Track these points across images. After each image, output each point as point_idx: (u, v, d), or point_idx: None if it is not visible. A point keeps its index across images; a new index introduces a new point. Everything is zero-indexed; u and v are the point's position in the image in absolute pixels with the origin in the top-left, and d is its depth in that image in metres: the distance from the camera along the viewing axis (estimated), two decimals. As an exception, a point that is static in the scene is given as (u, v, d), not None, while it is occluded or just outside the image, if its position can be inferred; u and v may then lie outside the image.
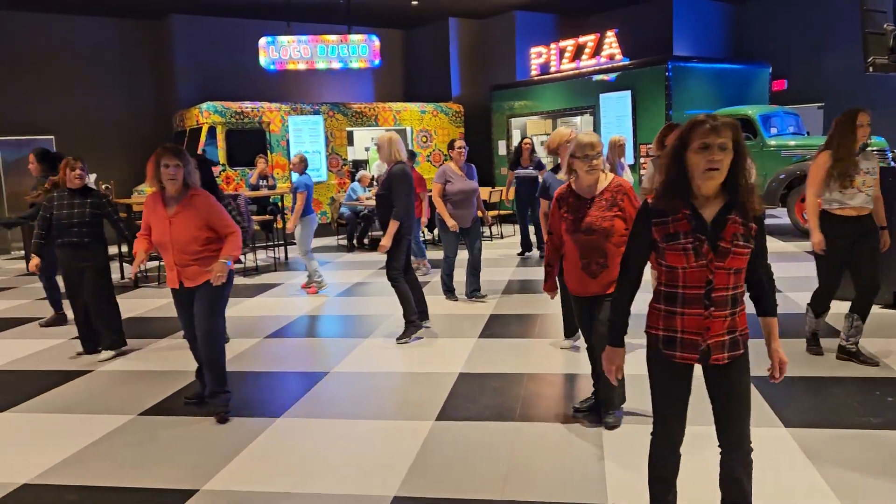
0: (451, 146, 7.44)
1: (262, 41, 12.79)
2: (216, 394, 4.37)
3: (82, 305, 5.81)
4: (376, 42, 13.42)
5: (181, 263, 4.22)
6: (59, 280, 6.32)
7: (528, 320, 6.55)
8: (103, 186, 11.09)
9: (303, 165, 8.14)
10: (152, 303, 8.04)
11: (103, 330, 5.81)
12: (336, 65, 13.32)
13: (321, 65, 13.16)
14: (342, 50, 13.21)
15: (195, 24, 14.03)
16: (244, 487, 3.43)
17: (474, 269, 7.33)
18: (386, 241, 5.77)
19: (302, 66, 13.13)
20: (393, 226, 5.74)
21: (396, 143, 5.88)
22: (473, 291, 7.36)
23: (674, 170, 2.32)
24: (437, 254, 9.64)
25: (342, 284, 8.64)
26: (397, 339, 5.94)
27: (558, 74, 14.02)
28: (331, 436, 4.07)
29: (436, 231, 11.26)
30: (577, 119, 14.23)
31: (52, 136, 13.22)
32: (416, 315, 5.99)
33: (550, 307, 6.76)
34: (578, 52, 13.76)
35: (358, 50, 13.31)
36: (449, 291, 7.40)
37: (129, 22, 13.99)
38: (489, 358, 5.43)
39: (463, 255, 7.40)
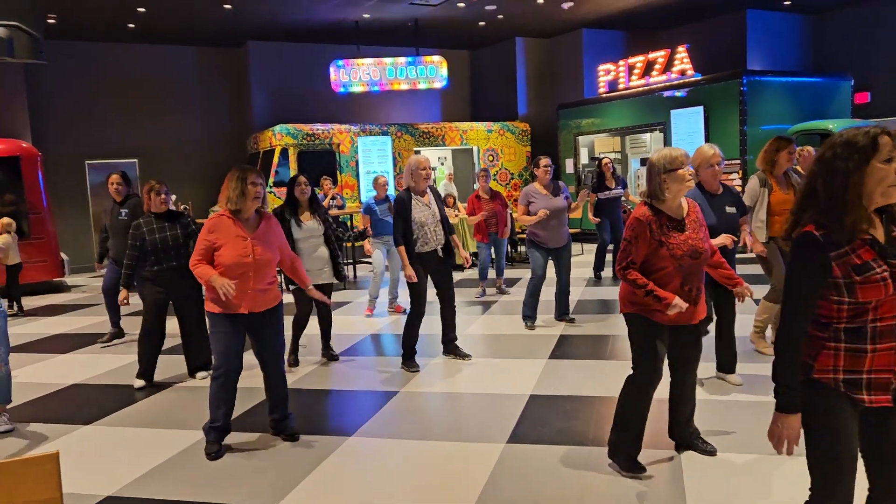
0: (536, 164, 7.13)
1: (333, 64, 13.10)
2: (288, 415, 4.43)
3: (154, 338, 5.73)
4: (444, 63, 13.56)
5: (259, 288, 4.13)
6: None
7: (599, 341, 6.42)
8: (182, 207, 11.54)
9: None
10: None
11: (201, 351, 5.78)
12: (404, 86, 13.52)
13: (390, 86, 13.38)
14: (410, 71, 13.40)
15: (270, 51, 14.50)
16: (316, 506, 3.45)
17: (564, 291, 7.16)
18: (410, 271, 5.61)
19: (371, 88, 13.37)
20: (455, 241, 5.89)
21: (406, 167, 5.79)
22: (563, 314, 7.21)
23: (846, 189, 2.02)
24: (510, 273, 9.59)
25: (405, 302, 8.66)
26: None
27: (627, 91, 13.84)
28: (401, 456, 4.06)
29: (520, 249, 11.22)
30: (647, 136, 13.99)
31: (135, 160, 13.84)
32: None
33: (622, 328, 6.60)
34: (648, 69, 13.55)
35: (426, 71, 13.47)
36: (529, 318, 7.05)
37: (208, 50, 14.57)
38: (560, 380, 5.33)
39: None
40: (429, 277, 5.83)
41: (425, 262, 5.71)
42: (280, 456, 4.11)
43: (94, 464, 4.15)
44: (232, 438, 4.42)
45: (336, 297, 9.42)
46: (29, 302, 9.71)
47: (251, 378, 5.68)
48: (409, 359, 5.86)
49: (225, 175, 4.18)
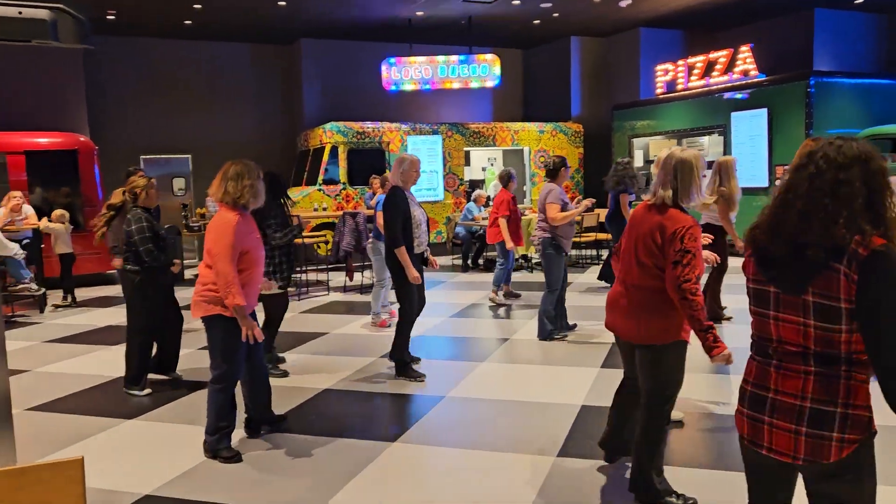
0: (565, 164, 6.56)
1: (385, 62, 13.03)
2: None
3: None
4: (496, 61, 13.36)
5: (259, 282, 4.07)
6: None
7: (654, 351, 6.13)
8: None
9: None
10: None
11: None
12: (456, 85, 13.37)
13: (441, 85, 13.24)
14: (462, 70, 13.24)
15: (322, 48, 14.52)
16: (357, 516, 3.30)
17: (563, 301, 6.72)
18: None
19: (422, 87, 13.25)
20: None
21: (395, 165, 5.49)
22: (570, 328, 6.83)
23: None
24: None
25: (456, 305, 8.51)
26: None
27: (686, 92, 13.41)
28: (446, 466, 3.89)
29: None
30: (705, 139, 13.53)
31: (188, 155, 14.02)
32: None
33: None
34: (709, 69, 13.11)
35: (478, 70, 13.29)
36: (555, 331, 6.63)
37: (262, 47, 14.67)
38: (613, 390, 5.07)
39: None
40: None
41: (416, 265, 5.39)
42: (320, 461, 3.98)
43: (134, 460, 4.08)
44: (269, 441, 4.32)
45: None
46: (82, 293, 9.87)
47: (286, 377, 5.60)
48: (409, 368, 5.54)
49: (252, 172, 3.92)
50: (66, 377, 5.83)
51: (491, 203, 11.37)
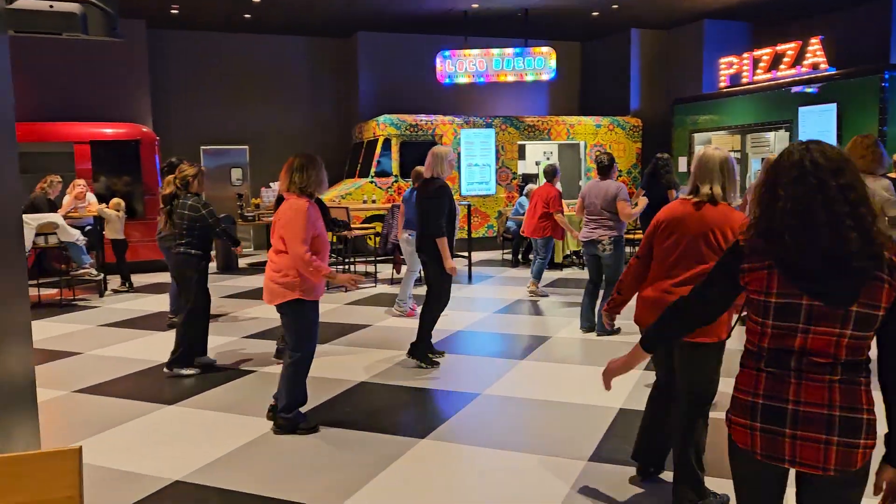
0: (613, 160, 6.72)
1: (439, 55, 12.97)
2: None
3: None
4: (552, 54, 13.14)
5: None
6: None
7: (702, 354, 5.90)
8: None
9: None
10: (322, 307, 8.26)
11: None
12: (510, 78, 13.20)
13: (495, 78, 13.10)
14: (517, 63, 13.06)
15: (378, 41, 14.56)
16: (379, 513, 3.27)
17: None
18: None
19: (476, 80, 13.14)
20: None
21: (439, 157, 5.54)
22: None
23: None
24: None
25: (502, 301, 8.41)
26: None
27: (751, 86, 12.91)
28: (475, 465, 3.82)
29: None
30: (771, 135, 13.01)
31: (246, 146, 14.28)
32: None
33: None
34: (776, 62, 12.57)
35: (534, 62, 13.10)
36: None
37: (319, 41, 14.81)
38: (655, 394, 4.91)
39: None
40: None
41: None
42: (348, 455, 3.96)
43: (170, 445, 4.15)
44: (301, 434, 4.32)
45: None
46: (139, 279, 10.16)
47: (323, 368, 5.62)
48: (426, 353, 5.66)
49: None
50: (114, 361, 6.00)
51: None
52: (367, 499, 3.41)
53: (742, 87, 13.06)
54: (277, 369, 5.66)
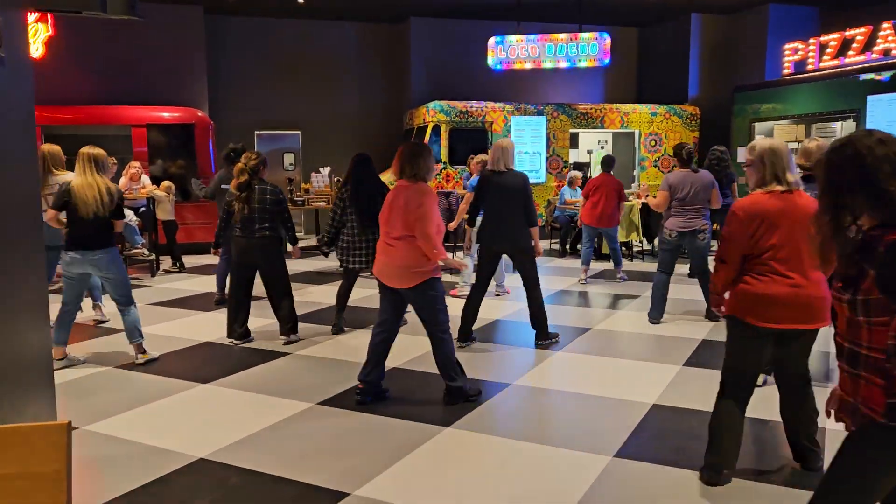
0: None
1: (491, 41, 12.82)
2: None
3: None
4: (607, 40, 12.82)
5: None
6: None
7: (746, 351, 5.68)
8: (335, 180, 11.87)
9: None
10: (363, 293, 8.31)
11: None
12: (563, 64, 12.95)
13: (548, 64, 12.87)
14: (571, 49, 12.80)
15: (431, 26, 14.49)
16: (393, 499, 3.24)
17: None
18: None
19: (528, 66, 12.94)
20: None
21: (508, 150, 5.77)
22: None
23: None
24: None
25: (545, 291, 8.24)
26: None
27: (816, 73, 12.34)
28: (497, 457, 3.76)
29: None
30: (837, 125, 12.43)
31: (298, 132, 14.45)
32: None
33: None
34: (844, 48, 11.98)
35: (587, 48, 12.81)
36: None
37: (371, 26, 14.84)
38: (692, 391, 4.76)
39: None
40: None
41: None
42: (371, 440, 3.96)
43: (198, 423, 4.23)
44: (333, 413, 4.35)
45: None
46: (190, 260, 10.42)
47: (358, 352, 5.62)
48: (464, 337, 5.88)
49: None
50: (158, 339, 6.14)
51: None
52: (384, 485, 3.39)
53: (807, 75, 12.50)
54: (315, 352, 5.73)
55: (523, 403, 4.57)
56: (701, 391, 4.73)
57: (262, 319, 6.84)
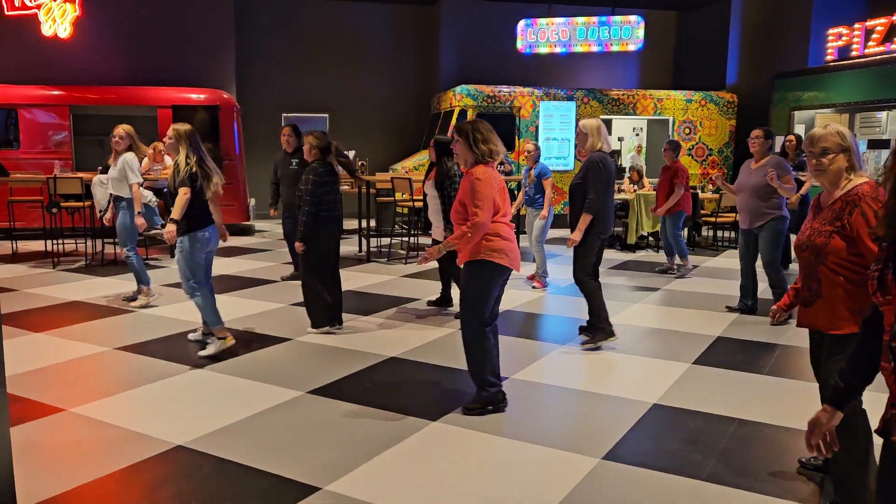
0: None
1: (521, 24, 12.55)
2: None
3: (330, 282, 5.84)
4: (640, 24, 12.44)
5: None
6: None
7: (762, 350, 5.44)
8: (360, 164, 11.78)
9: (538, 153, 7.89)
10: (376, 278, 8.24)
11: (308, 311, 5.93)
12: (595, 48, 12.62)
13: (579, 48, 12.55)
14: (602, 32, 12.45)
15: (462, 8, 14.26)
16: (364, 497, 3.14)
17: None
18: (576, 235, 5.28)
19: (558, 50, 12.64)
20: (584, 219, 5.22)
21: (601, 130, 5.34)
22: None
23: None
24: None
25: (563, 281, 8.09)
26: (583, 344, 5.45)
27: (860, 60, 11.79)
28: (481, 454, 3.63)
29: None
30: (883, 115, 11.88)
31: (326, 115, 14.39)
32: (607, 322, 5.41)
33: (796, 338, 5.57)
34: (891, 33, 11.41)
35: (620, 32, 12.45)
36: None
37: (402, 7, 14.66)
38: (696, 390, 4.55)
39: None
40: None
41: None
42: (354, 432, 3.86)
43: (184, 409, 4.18)
44: (320, 403, 4.26)
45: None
46: (213, 242, 10.45)
47: (359, 341, 5.54)
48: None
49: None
50: (165, 321, 6.15)
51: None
52: (357, 480, 3.29)
53: (850, 62, 11.96)
54: (315, 339, 5.66)
55: (517, 399, 4.41)
56: (706, 391, 4.53)
57: (268, 304, 6.82)
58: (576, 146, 6.27)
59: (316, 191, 5.51)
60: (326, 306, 5.76)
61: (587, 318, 5.57)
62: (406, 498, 3.14)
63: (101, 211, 8.14)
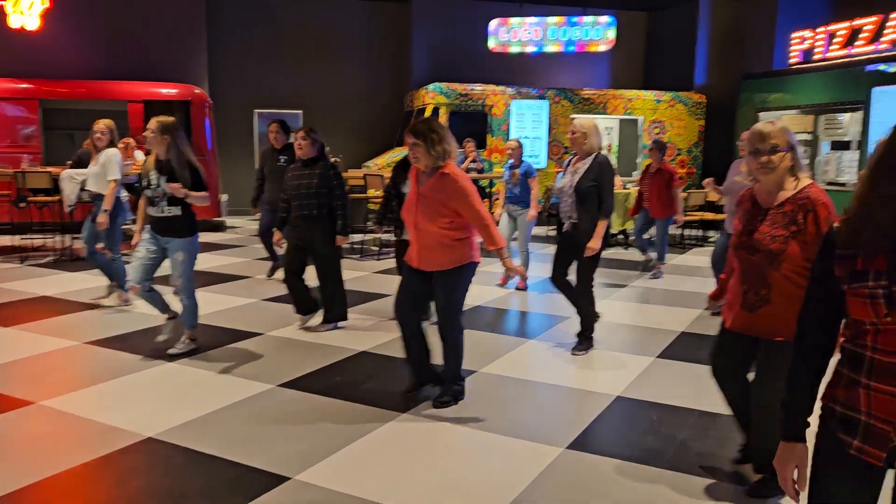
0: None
1: (493, 23, 12.66)
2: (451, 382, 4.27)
3: (293, 280, 5.75)
4: (612, 24, 12.61)
5: (423, 244, 4.05)
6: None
7: (723, 345, 5.59)
8: (333, 160, 11.79)
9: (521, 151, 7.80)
10: (349, 274, 8.26)
11: (333, 304, 5.82)
12: (567, 48, 12.76)
13: (550, 47, 12.69)
14: (574, 32, 12.61)
15: (434, 6, 14.31)
16: (333, 486, 3.21)
17: None
18: (595, 243, 4.98)
19: (530, 49, 12.77)
20: (602, 226, 4.98)
21: (598, 129, 5.16)
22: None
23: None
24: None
25: (533, 278, 8.21)
26: (577, 351, 5.32)
27: (824, 63, 12.08)
28: (448, 444, 3.71)
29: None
30: (845, 117, 12.18)
31: (300, 111, 14.36)
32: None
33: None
34: (853, 37, 11.71)
35: (590, 33, 12.61)
36: None
37: (376, 5, 14.67)
38: (660, 383, 4.69)
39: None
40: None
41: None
42: (327, 422, 3.92)
43: (154, 402, 4.21)
44: (289, 396, 4.31)
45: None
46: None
47: (349, 336, 5.59)
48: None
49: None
50: (134, 315, 6.15)
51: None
52: (326, 471, 3.36)
53: (813, 65, 12.25)
54: (287, 333, 5.70)
55: (484, 391, 4.51)
56: (668, 384, 4.67)
57: (236, 299, 6.84)
58: (570, 146, 5.81)
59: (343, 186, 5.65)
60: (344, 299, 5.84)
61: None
62: (375, 487, 3.21)
63: (69, 206, 8.08)
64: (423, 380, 4.36)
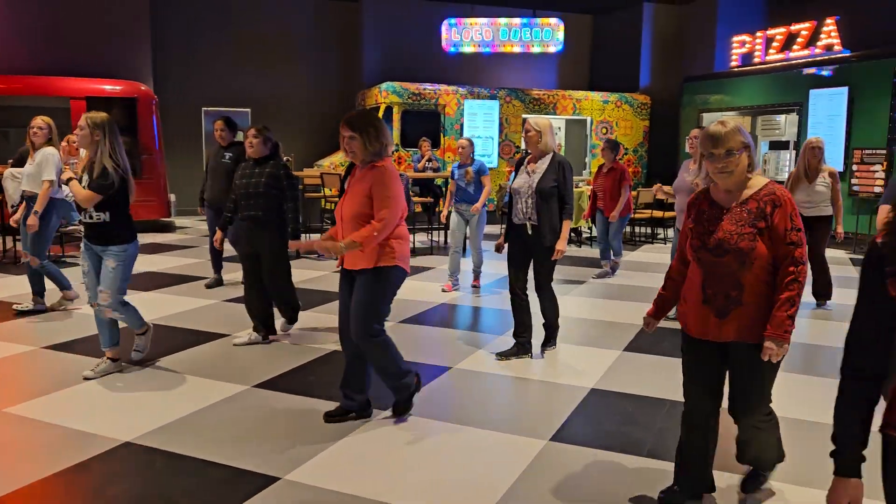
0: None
1: (445, 23, 12.72)
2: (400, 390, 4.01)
3: (255, 292, 5.43)
4: (560, 26, 12.84)
5: (343, 236, 3.75)
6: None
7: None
8: (285, 159, 11.63)
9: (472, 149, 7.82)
10: (308, 274, 8.20)
11: (280, 305, 5.60)
12: (517, 49, 12.94)
13: (501, 48, 12.83)
14: (524, 34, 12.78)
15: (384, 5, 14.29)
16: (323, 484, 3.19)
17: None
18: (563, 245, 4.91)
19: (482, 49, 12.88)
20: (567, 226, 4.94)
21: (552, 128, 5.11)
22: None
23: None
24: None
25: (495, 275, 8.30)
26: (546, 349, 5.32)
27: (762, 66, 12.59)
28: (431, 441, 3.72)
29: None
30: (782, 118, 12.72)
31: (248, 109, 14.12)
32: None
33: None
34: (789, 42, 12.25)
35: (541, 34, 12.81)
36: None
37: (325, 3, 14.55)
38: (630, 376, 4.81)
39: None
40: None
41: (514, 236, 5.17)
42: (307, 423, 3.89)
43: (125, 406, 4.09)
44: (267, 397, 4.26)
45: (422, 261, 9.17)
46: (132, 239, 10.10)
47: (314, 336, 5.54)
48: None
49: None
50: (88, 319, 5.90)
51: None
52: (314, 470, 3.33)
53: (752, 68, 12.76)
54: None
55: (462, 387, 4.55)
56: (638, 376, 4.79)
57: (194, 300, 6.70)
58: (523, 145, 5.93)
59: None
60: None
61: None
62: (362, 484, 3.20)
63: (13, 206, 7.74)
64: (354, 407, 3.95)
